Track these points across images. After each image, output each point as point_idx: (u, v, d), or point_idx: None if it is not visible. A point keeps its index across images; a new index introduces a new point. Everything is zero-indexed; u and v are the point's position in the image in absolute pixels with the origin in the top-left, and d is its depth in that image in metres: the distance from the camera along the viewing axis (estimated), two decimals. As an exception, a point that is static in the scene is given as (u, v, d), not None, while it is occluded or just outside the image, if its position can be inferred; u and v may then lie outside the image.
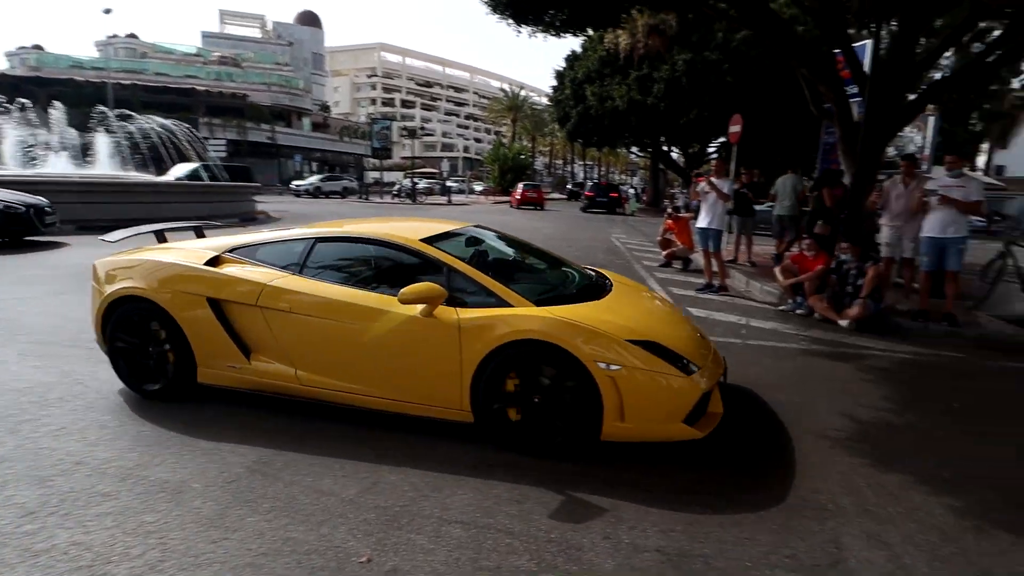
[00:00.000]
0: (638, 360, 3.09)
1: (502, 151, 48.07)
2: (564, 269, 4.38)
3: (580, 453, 3.17)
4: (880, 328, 6.32)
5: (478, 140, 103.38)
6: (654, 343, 3.20)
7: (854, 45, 11.02)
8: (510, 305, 3.29)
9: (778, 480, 3.08)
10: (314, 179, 37.84)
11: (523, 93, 63.33)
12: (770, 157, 34.71)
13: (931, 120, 24.58)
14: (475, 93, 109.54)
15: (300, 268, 3.69)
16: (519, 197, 30.37)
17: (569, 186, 50.70)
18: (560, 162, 75.65)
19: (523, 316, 3.19)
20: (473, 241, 4.25)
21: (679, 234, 10.64)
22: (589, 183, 37.80)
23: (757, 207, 10.94)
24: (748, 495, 2.93)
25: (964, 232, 6.11)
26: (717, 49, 26.01)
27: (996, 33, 11.76)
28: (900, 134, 24.87)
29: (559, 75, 34.38)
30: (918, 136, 23.82)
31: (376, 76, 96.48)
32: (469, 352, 3.19)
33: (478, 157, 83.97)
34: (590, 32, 25.91)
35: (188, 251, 3.94)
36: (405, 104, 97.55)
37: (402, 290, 3.18)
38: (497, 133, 75.03)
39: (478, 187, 52.83)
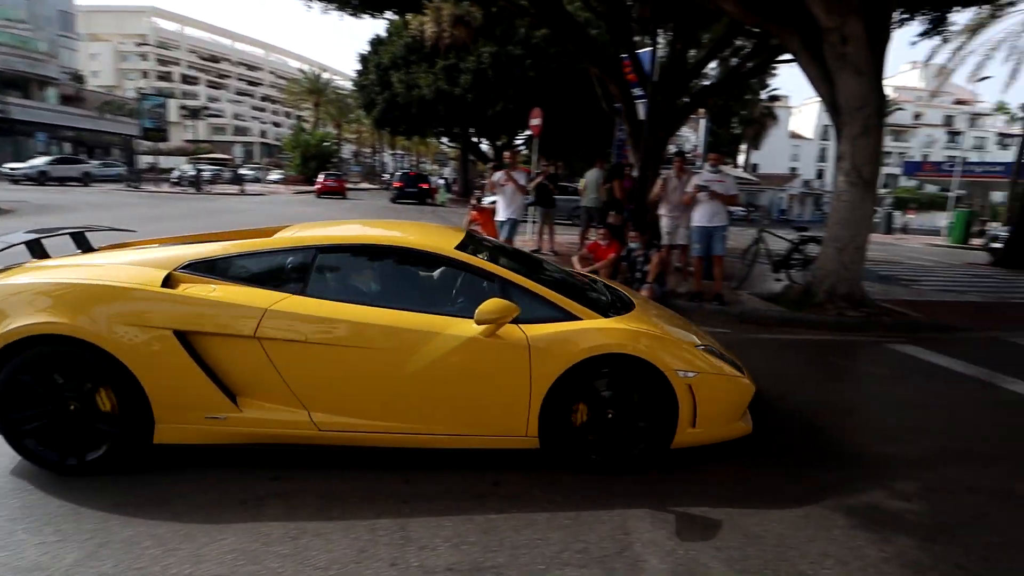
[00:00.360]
0: (708, 365, 3.18)
1: (303, 137, 45.23)
2: (557, 275, 3.88)
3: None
4: (664, 310, 6.98)
5: (277, 124, 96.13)
6: (711, 347, 3.33)
7: (640, 51, 12.13)
8: (577, 318, 3.13)
9: (568, 471, 3.12)
10: (39, 161, 29.65)
11: (325, 76, 60.25)
12: (572, 150, 37.29)
13: (702, 123, 28.30)
14: (272, 73, 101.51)
15: (303, 286, 3.03)
16: (319, 187, 30.74)
17: (386, 176, 49.65)
18: (369, 150, 73.60)
19: (601, 330, 3.09)
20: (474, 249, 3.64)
21: (484, 225, 10.78)
22: (398, 173, 37.31)
23: (557, 198, 11.54)
24: (540, 491, 2.92)
25: (726, 221, 7.04)
26: (520, 44, 27.11)
27: (748, 50, 13.78)
28: (679, 133, 28.34)
29: (363, 59, 33.19)
30: (693, 136, 27.38)
31: (148, 45, 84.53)
32: (540, 372, 2.97)
33: (278, 143, 78.18)
34: (392, 15, 25.41)
35: (121, 268, 3.00)
36: (187, 80, 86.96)
37: (479, 308, 2.87)
38: (299, 118, 70.59)
39: (275, 175, 49.18)
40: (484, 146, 38.88)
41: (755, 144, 47.94)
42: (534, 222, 11.35)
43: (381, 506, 2.71)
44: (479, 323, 2.88)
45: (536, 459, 3.15)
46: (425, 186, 28.64)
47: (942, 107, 70.83)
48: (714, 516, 2.79)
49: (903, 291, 9.72)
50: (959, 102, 65.84)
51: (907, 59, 67.89)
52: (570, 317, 3.13)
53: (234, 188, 31.33)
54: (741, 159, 49.75)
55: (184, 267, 3.03)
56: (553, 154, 41.64)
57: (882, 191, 53.08)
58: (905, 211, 42.83)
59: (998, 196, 33.54)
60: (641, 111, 11.88)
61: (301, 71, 62.83)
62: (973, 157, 56.75)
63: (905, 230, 33.45)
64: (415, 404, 2.99)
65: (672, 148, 27.91)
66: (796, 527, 2.75)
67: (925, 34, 13.75)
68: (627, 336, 3.09)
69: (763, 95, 46.26)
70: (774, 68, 41.05)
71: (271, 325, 2.86)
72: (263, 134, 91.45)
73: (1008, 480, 3.33)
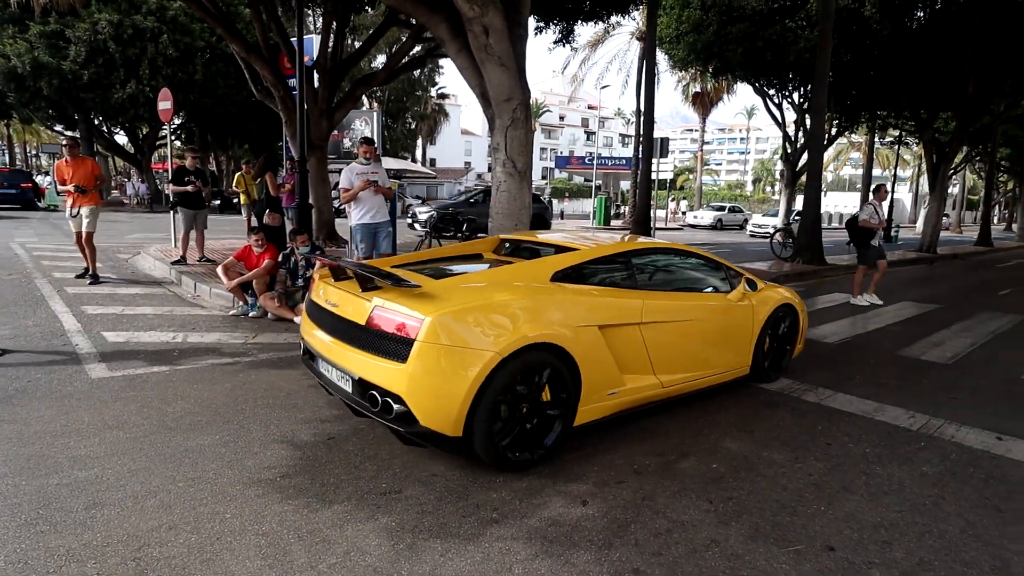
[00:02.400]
0: (802, 303, 5.17)
1: None
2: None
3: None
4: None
5: None
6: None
7: (294, 36, 11.08)
8: (757, 285, 4.79)
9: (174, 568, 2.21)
10: None
11: None
12: (241, 143, 33.76)
13: (375, 115, 28.21)
14: None
15: (633, 281, 3.93)
16: None
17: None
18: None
19: (775, 290, 4.95)
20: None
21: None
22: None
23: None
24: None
25: (387, 216, 6.66)
26: (153, 15, 23.08)
27: (406, 40, 13.76)
28: (353, 127, 27.79)
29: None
30: (367, 129, 27.08)
31: None
32: (756, 320, 4.62)
33: None
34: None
35: (527, 278, 3.50)
36: None
37: (745, 286, 4.59)
38: None
39: None
40: (122, 138, 32.59)
41: (431, 139, 50.42)
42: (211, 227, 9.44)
43: None
44: (750, 293, 4.60)
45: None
46: (29, 185, 22.53)
47: (579, 110, 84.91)
48: (374, 599, 2.20)
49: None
50: (591, 107, 79.62)
51: (551, 67, 79.45)
52: (754, 285, 4.76)
53: None
54: (419, 153, 51.80)
55: (552, 278, 3.54)
56: (219, 149, 37.18)
57: (542, 182, 61.24)
58: (562, 200, 50.00)
59: (625, 184, 41.43)
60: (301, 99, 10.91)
61: None
62: (605, 152, 69.41)
63: (563, 216, 38.80)
64: (705, 356, 4.22)
65: (348, 142, 27.26)
66: (473, 579, 2.32)
67: (558, 42, 15.68)
68: (787, 293, 5.05)
69: (433, 92, 48.90)
70: (439, 66, 43.64)
71: (648, 312, 3.72)
72: None
73: (669, 454, 3.51)
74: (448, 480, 3.06)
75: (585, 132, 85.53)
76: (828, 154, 62.49)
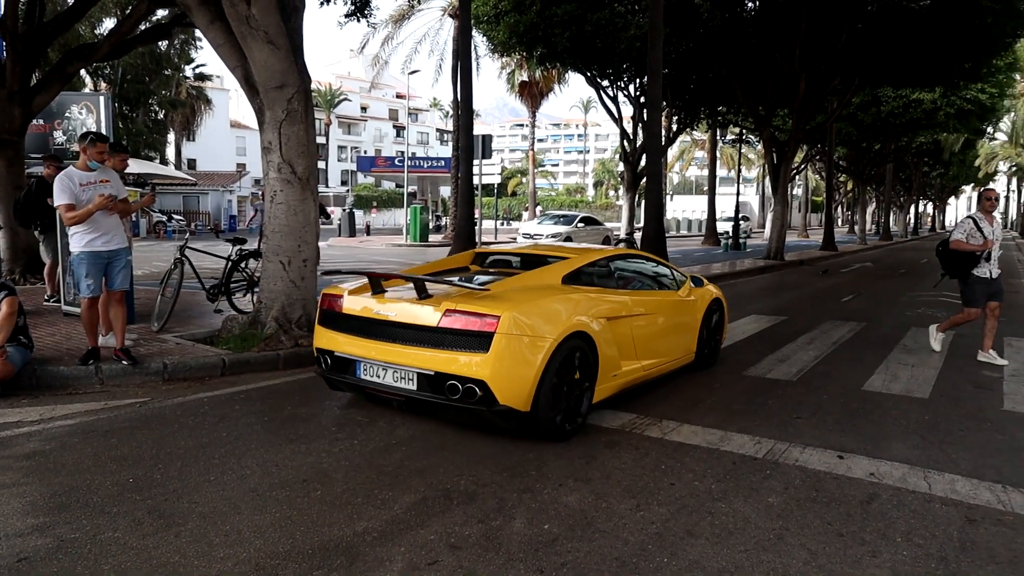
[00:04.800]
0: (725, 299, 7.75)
1: None
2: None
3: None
4: (35, 386, 5.63)
5: None
6: None
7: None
8: (702, 283, 7.26)
9: None
10: None
11: None
12: None
13: (103, 101, 26.03)
14: None
15: (613, 282, 6.04)
16: None
17: None
18: None
19: (711, 289, 7.28)
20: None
21: None
22: None
23: None
24: None
25: (125, 242, 6.16)
26: None
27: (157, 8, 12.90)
28: (69, 116, 25.28)
29: None
30: (91, 119, 24.79)
31: None
32: (699, 313, 6.83)
33: None
34: None
35: (549, 281, 5.39)
36: None
37: (693, 282, 7.06)
38: None
39: None
40: None
41: (188, 134, 47.54)
42: None
43: None
44: (694, 289, 7.00)
45: None
46: None
47: (386, 100, 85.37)
48: None
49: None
50: (399, 95, 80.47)
51: (349, 45, 79.10)
52: (701, 282, 7.25)
53: None
54: (171, 152, 48.53)
55: (562, 281, 5.41)
56: None
57: (342, 189, 60.38)
58: (370, 210, 49.61)
59: (446, 191, 42.22)
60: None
61: None
62: (420, 152, 70.36)
63: (369, 231, 38.35)
64: (669, 344, 6.27)
65: (61, 135, 24.75)
66: None
67: (350, 16, 15.62)
68: (715, 288, 7.42)
69: (189, 72, 46.22)
70: (195, 38, 41.41)
71: (635, 306, 5.70)
72: None
73: (493, 519, 3.58)
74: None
75: (394, 127, 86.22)
76: (672, 153, 69.17)
